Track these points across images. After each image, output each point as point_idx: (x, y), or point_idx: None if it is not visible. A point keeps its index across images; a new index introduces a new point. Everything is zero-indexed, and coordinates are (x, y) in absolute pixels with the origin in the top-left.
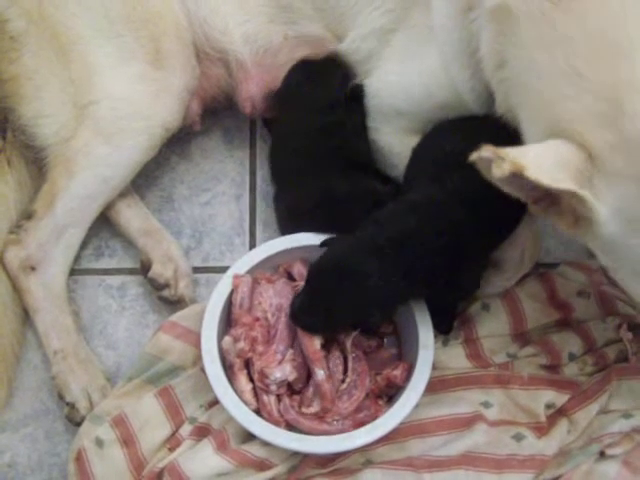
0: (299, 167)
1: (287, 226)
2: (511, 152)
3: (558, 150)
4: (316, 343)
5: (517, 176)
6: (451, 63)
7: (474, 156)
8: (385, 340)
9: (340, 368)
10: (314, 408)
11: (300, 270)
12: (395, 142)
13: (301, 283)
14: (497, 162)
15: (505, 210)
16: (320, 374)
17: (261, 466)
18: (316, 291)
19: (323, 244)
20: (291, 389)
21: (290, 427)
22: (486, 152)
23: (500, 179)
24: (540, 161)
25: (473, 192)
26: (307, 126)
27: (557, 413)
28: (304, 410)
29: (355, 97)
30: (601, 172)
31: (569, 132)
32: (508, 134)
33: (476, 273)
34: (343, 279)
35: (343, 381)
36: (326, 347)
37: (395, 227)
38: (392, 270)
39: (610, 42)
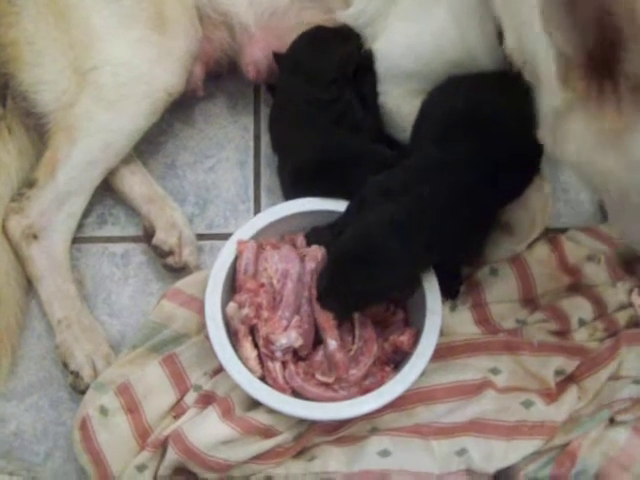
0: (300, 135)
1: (291, 192)
2: None
3: None
4: (330, 314)
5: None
6: (460, 12)
7: None
8: (392, 306)
9: (350, 336)
10: (329, 378)
11: (304, 242)
12: (404, 104)
13: (306, 250)
14: None
15: (517, 169)
16: (332, 344)
17: (266, 433)
18: (344, 274)
19: (336, 229)
20: (297, 356)
21: (295, 394)
22: None
23: None
24: None
25: (482, 152)
26: (308, 98)
27: (567, 379)
28: (318, 376)
29: (365, 63)
30: None
31: None
32: (522, 90)
33: (482, 236)
34: (370, 260)
35: (350, 348)
36: None
37: (410, 200)
38: (414, 242)
39: None
